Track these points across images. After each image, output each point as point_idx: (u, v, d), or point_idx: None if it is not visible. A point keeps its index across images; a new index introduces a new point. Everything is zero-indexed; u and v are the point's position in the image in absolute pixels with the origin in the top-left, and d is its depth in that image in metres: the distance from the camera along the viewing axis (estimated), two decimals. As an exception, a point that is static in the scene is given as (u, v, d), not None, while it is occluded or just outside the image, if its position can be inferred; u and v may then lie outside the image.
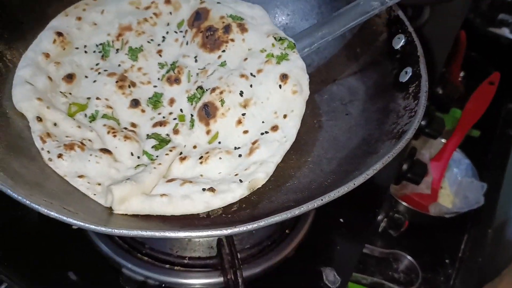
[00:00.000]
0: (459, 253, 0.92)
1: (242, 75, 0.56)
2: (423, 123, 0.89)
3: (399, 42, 0.59)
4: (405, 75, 0.56)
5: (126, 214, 0.46)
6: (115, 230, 0.37)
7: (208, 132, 0.54)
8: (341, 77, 0.65)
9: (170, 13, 0.63)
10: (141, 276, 0.57)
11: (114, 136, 0.51)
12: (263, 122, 0.55)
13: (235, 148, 0.53)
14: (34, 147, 0.50)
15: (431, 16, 1.05)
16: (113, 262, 0.58)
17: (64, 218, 0.37)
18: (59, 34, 0.57)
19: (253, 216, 0.48)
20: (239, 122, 0.55)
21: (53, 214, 0.37)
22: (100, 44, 0.59)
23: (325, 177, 0.52)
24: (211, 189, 0.48)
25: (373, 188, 0.73)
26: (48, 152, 0.48)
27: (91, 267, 0.58)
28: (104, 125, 0.52)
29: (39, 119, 0.50)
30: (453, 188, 0.98)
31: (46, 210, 0.37)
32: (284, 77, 0.56)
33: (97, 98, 0.54)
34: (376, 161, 0.45)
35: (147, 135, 0.54)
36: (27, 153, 0.48)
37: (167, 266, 0.59)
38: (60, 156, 0.47)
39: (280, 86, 0.56)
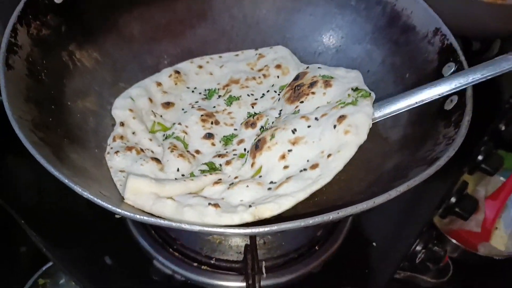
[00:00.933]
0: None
1: (303, 117, 0.57)
2: (480, 158, 0.86)
3: (448, 70, 0.58)
4: (450, 103, 0.55)
5: (133, 207, 0.48)
6: (137, 216, 0.40)
7: (252, 165, 0.55)
8: (388, 101, 0.65)
9: (278, 76, 0.68)
10: (170, 270, 0.60)
11: (172, 151, 0.56)
12: (308, 161, 0.54)
13: (270, 182, 0.53)
14: (91, 138, 0.56)
15: (501, 50, 1.01)
16: (146, 253, 0.62)
17: (95, 199, 0.41)
18: (177, 72, 0.66)
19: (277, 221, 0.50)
20: (283, 157, 0.54)
21: (86, 194, 0.41)
22: (208, 89, 0.66)
23: (352, 197, 0.53)
24: (216, 205, 0.47)
25: (414, 218, 0.71)
26: (111, 148, 0.55)
27: (125, 255, 0.63)
28: (171, 142, 0.58)
29: (122, 124, 0.58)
30: (509, 230, 0.93)
31: (80, 190, 0.41)
32: (341, 117, 0.54)
33: (179, 124, 0.60)
34: (401, 184, 0.45)
35: (203, 162, 0.57)
36: (82, 143, 0.54)
37: (195, 264, 0.61)
38: (116, 152, 0.54)
39: (334, 126, 0.54)
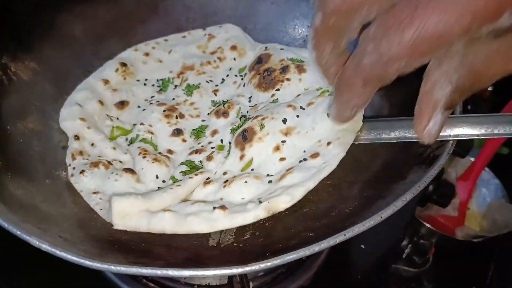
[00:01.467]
0: (487, 280, 0.86)
1: (290, 105, 0.53)
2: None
3: (428, 57, 0.55)
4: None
5: (126, 232, 0.43)
6: (112, 267, 0.33)
7: (242, 157, 0.50)
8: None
9: (234, 59, 0.63)
10: (145, 304, 0.54)
11: (144, 157, 0.50)
12: (304, 151, 0.51)
13: (267, 175, 0.49)
14: (39, 167, 0.48)
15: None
16: (114, 286, 0.55)
17: (57, 252, 0.33)
18: (123, 64, 0.59)
19: (267, 246, 0.44)
20: (277, 148, 0.50)
21: (45, 247, 0.33)
22: (161, 79, 0.60)
23: (345, 204, 0.48)
24: (222, 207, 0.44)
25: (397, 212, 0.68)
26: (74, 168, 0.49)
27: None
28: (139, 147, 0.51)
29: (77, 137, 0.51)
30: (481, 210, 0.92)
31: (37, 242, 0.33)
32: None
33: (141, 124, 0.54)
34: (405, 190, 0.40)
35: (181, 162, 0.52)
36: (27, 174, 0.45)
37: (174, 293, 0.55)
38: (82, 172, 0.48)
39: (328, 115, 0.50)
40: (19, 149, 0.48)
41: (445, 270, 0.85)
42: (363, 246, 0.63)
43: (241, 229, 0.47)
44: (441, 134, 0.43)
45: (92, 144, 0.51)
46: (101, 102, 0.55)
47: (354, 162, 0.53)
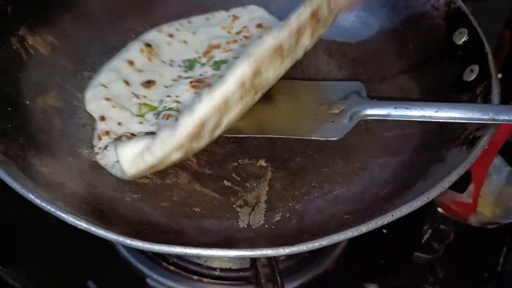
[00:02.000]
0: (499, 267, 0.86)
1: None
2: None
3: (461, 37, 0.53)
4: (471, 74, 0.50)
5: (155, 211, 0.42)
6: (155, 247, 0.32)
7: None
8: (391, 76, 0.59)
9: (261, 36, 0.60)
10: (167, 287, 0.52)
11: (167, 119, 0.48)
12: None
13: None
14: (61, 144, 0.46)
15: (473, 15, 0.99)
16: (137, 271, 0.53)
17: (97, 231, 0.32)
18: (148, 45, 0.57)
19: (302, 228, 0.43)
20: None
21: (83, 225, 0.32)
22: (187, 59, 0.58)
23: (379, 187, 0.47)
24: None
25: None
26: (99, 148, 0.47)
27: (112, 276, 0.54)
28: (165, 114, 0.49)
29: (102, 118, 0.49)
30: (493, 197, 0.92)
31: (75, 221, 0.32)
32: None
33: (168, 96, 0.52)
34: (448, 173, 0.39)
35: None
36: (51, 151, 0.44)
37: (195, 277, 0.53)
38: (106, 147, 0.47)
39: None
40: (40, 126, 0.46)
41: (457, 257, 0.85)
42: (384, 231, 0.62)
43: (271, 211, 0.46)
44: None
45: (119, 123, 0.49)
46: (126, 82, 0.53)
47: (385, 146, 0.52)
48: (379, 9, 0.62)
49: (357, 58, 0.62)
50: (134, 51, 0.56)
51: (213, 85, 0.37)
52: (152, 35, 0.60)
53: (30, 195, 0.33)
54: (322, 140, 0.53)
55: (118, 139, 0.47)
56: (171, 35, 0.60)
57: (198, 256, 0.49)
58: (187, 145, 0.39)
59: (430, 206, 0.72)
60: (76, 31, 0.55)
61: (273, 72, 0.41)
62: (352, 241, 0.60)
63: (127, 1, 0.60)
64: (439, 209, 0.83)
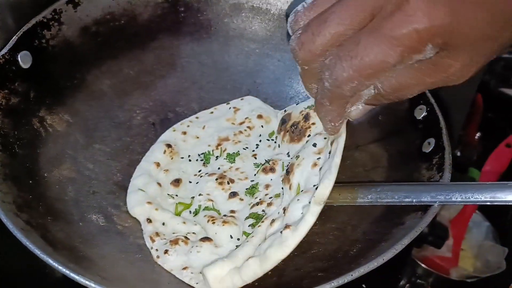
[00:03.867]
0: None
1: (317, 133, 0.58)
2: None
3: (421, 113, 0.61)
4: (428, 146, 0.57)
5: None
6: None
7: (290, 188, 0.55)
8: (364, 144, 0.66)
9: (262, 126, 0.68)
10: None
11: (213, 223, 0.55)
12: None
13: (314, 185, 0.52)
14: (73, 211, 0.53)
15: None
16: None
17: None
18: (169, 145, 0.64)
19: (281, 284, 0.49)
20: (315, 164, 0.54)
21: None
22: (202, 153, 0.65)
23: (350, 246, 0.53)
24: (287, 226, 0.48)
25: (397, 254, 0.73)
26: (157, 250, 0.53)
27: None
28: (205, 215, 0.56)
29: (149, 220, 0.55)
30: (474, 250, 0.97)
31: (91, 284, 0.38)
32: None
33: (200, 195, 0.59)
34: (404, 235, 0.46)
35: (246, 217, 0.56)
36: (64, 217, 0.50)
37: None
38: (166, 252, 0.52)
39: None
40: (56, 195, 0.52)
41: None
42: (364, 286, 0.67)
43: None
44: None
45: (163, 224, 0.55)
46: (159, 184, 0.59)
47: (358, 207, 0.59)
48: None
49: (334, 128, 0.70)
50: (158, 152, 0.63)
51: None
52: (168, 135, 0.66)
53: (50, 260, 0.39)
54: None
55: (175, 242, 0.52)
56: (184, 133, 0.67)
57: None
58: None
59: (408, 261, 0.78)
60: (87, 108, 0.63)
61: None
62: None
63: (131, 81, 0.68)
64: (423, 265, 0.88)
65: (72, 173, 0.56)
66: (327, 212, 0.59)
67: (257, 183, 0.60)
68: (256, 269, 0.47)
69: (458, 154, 1.01)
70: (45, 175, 0.53)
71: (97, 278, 0.41)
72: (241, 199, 0.59)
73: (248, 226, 0.55)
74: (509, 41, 0.38)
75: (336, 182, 0.52)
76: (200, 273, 0.49)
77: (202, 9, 0.73)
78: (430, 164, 0.56)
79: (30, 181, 0.50)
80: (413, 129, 0.61)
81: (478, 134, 1.21)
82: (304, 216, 0.47)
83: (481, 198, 0.46)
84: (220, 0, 0.73)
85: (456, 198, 0.47)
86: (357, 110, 0.44)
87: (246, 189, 0.60)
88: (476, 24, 0.35)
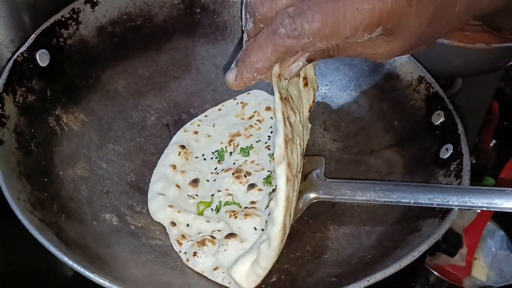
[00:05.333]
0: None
1: None
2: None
3: (438, 119, 0.60)
4: (446, 152, 0.57)
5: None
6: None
7: None
8: (379, 149, 0.66)
9: (271, 117, 0.68)
10: None
11: (236, 217, 0.55)
12: None
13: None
14: (86, 210, 0.53)
15: (463, 86, 1.07)
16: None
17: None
18: (182, 147, 0.64)
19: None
20: None
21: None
22: (216, 151, 0.65)
23: (365, 252, 0.52)
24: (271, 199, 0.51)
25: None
26: (185, 253, 0.53)
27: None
28: (227, 211, 0.56)
29: (173, 224, 0.55)
30: (488, 260, 0.96)
31: (102, 281, 0.38)
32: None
33: (219, 191, 0.59)
34: (421, 242, 0.45)
35: (266, 206, 0.56)
36: (77, 217, 0.50)
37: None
38: (195, 254, 0.52)
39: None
40: (70, 194, 0.52)
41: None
42: (377, 293, 0.66)
43: (268, 273, 0.51)
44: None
45: (188, 225, 0.55)
46: (178, 186, 0.59)
47: (372, 213, 0.58)
48: (370, 90, 0.70)
49: (349, 132, 0.69)
50: (173, 155, 0.63)
51: (273, 196, 0.49)
52: (180, 136, 0.66)
53: (64, 258, 0.39)
54: (318, 207, 0.60)
55: (202, 244, 0.52)
56: (195, 132, 0.66)
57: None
58: (281, 247, 0.47)
59: (422, 269, 0.77)
60: (102, 108, 0.63)
61: (296, 154, 0.48)
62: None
63: (146, 81, 0.68)
64: (436, 273, 0.87)
65: (86, 172, 0.56)
66: (340, 218, 0.59)
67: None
68: (267, 252, 0.46)
69: (474, 161, 0.99)
70: (60, 173, 0.53)
71: (110, 277, 0.41)
72: (260, 190, 0.58)
73: (269, 214, 0.54)
74: (435, 41, 0.44)
75: (336, 178, 0.57)
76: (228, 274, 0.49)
77: (218, 11, 0.73)
78: (448, 171, 0.55)
79: (45, 179, 0.50)
80: (430, 135, 0.61)
81: (493, 142, 1.20)
82: (277, 184, 0.44)
83: (477, 204, 0.47)
84: (236, 2, 0.73)
85: (453, 201, 0.48)
86: (298, 66, 0.44)
87: (263, 179, 0.59)
88: (420, 22, 0.39)
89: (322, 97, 0.73)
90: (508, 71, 1.33)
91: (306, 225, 0.59)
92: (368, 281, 0.41)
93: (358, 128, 0.69)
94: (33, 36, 0.55)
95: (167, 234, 0.55)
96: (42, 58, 0.55)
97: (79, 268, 0.39)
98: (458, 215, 0.97)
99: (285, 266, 0.52)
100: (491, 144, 1.19)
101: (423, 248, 0.44)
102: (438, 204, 0.48)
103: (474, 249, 0.95)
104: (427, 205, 0.49)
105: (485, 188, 0.48)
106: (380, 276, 0.41)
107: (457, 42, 0.78)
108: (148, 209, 0.57)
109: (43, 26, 0.56)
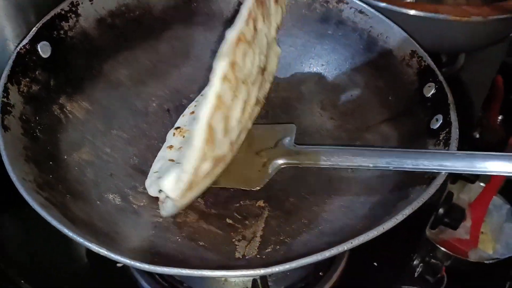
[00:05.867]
0: (504, 303, 0.89)
1: None
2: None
3: (430, 91, 0.62)
4: (436, 123, 0.58)
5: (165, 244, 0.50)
6: (157, 268, 0.41)
7: None
8: (374, 124, 0.67)
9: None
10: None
11: None
12: None
13: None
14: (92, 191, 0.56)
15: (467, 62, 1.07)
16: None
17: (113, 256, 0.41)
18: (177, 128, 0.65)
19: (287, 258, 0.51)
20: None
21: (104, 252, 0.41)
22: None
23: (357, 221, 0.54)
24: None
25: (408, 232, 0.73)
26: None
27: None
28: None
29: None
30: (495, 233, 0.96)
31: (102, 251, 0.41)
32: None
33: None
34: (405, 206, 0.46)
35: None
36: (83, 197, 0.53)
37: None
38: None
39: None
40: (75, 176, 0.55)
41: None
42: (375, 264, 0.68)
43: (264, 244, 0.54)
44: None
45: None
46: (171, 160, 0.60)
47: (367, 186, 0.60)
48: (365, 68, 0.72)
49: (346, 110, 0.71)
50: (169, 138, 0.64)
51: None
52: (179, 122, 0.67)
53: (70, 233, 0.42)
54: (315, 182, 0.62)
55: None
56: (192, 112, 0.67)
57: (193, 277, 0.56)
58: (210, 153, 0.41)
59: (422, 241, 0.78)
60: (106, 97, 0.66)
61: (250, 61, 0.44)
62: (345, 272, 0.67)
63: (147, 70, 0.71)
64: (441, 248, 0.88)
65: (91, 157, 0.59)
66: (337, 191, 0.61)
67: None
68: (187, 152, 0.41)
69: (477, 136, 1.00)
70: (65, 158, 0.56)
71: (115, 251, 0.43)
72: None
73: None
74: None
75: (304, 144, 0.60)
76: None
77: (214, -1, 0.75)
78: (438, 140, 0.56)
79: (51, 163, 0.53)
80: (423, 107, 0.62)
81: (500, 117, 1.19)
82: (210, 81, 0.40)
83: (429, 166, 0.50)
84: (231, -11, 0.75)
85: (408, 164, 0.51)
86: None
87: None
88: None
89: (319, 77, 0.75)
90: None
91: (304, 201, 0.61)
92: (351, 243, 0.42)
93: (354, 105, 0.71)
94: (34, 29, 0.57)
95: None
96: (44, 49, 0.58)
97: (84, 241, 0.42)
98: (463, 191, 0.98)
99: (281, 238, 0.55)
100: (498, 120, 1.18)
101: (407, 211, 0.45)
102: (394, 167, 0.52)
103: (480, 223, 0.95)
104: (384, 168, 0.53)
105: (439, 151, 0.52)
106: (363, 238, 0.43)
107: (453, 16, 0.78)
108: (150, 190, 0.60)
109: (44, 20, 0.59)
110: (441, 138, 0.56)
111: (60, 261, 0.68)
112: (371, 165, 0.53)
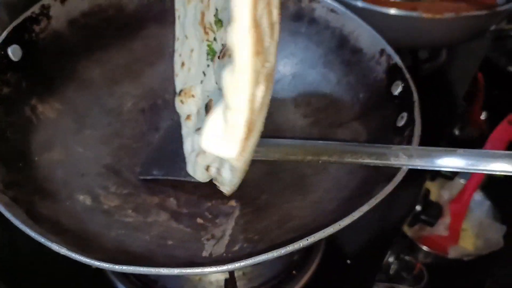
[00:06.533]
0: (484, 297, 0.90)
1: None
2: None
3: (397, 89, 0.62)
4: (401, 120, 0.59)
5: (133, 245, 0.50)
6: (124, 267, 0.41)
7: None
8: (347, 121, 0.68)
9: None
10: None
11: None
12: None
13: None
14: (61, 190, 0.56)
15: (449, 57, 1.07)
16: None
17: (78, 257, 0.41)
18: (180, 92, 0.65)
19: (254, 253, 0.52)
20: None
21: (64, 251, 0.42)
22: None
23: (325, 217, 0.55)
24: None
25: (384, 230, 0.74)
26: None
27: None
28: None
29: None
30: (475, 230, 0.97)
31: (57, 247, 0.42)
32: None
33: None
34: (364, 203, 0.47)
35: None
36: (52, 196, 0.54)
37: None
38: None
39: None
40: (45, 176, 0.56)
41: None
42: (349, 262, 0.68)
43: (231, 243, 0.54)
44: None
45: None
46: None
47: (337, 182, 0.61)
48: (337, 66, 0.72)
49: (319, 107, 0.72)
50: (180, 109, 0.65)
51: None
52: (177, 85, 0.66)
53: (32, 233, 0.43)
54: (288, 179, 0.63)
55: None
56: (183, 64, 0.66)
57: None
58: (262, 69, 0.30)
59: (396, 237, 0.78)
60: (78, 96, 0.66)
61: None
62: (318, 270, 0.67)
63: (121, 69, 0.71)
64: (420, 245, 0.89)
65: (62, 156, 0.60)
66: (308, 188, 0.62)
67: None
68: (233, 80, 0.30)
69: (457, 133, 1.00)
70: (36, 158, 0.57)
71: (75, 249, 0.44)
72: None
73: None
74: None
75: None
76: None
77: (187, -2, 0.75)
78: (402, 137, 0.57)
79: (20, 164, 0.54)
80: (390, 105, 0.62)
81: (484, 114, 1.20)
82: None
83: (388, 162, 0.51)
84: (204, -13, 0.75)
85: (364, 159, 0.53)
86: None
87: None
88: None
89: (293, 76, 0.76)
90: (502, 42, 1.33)
91: (276, 198, 0.61)
92: (307, 240, 0.43)
93: (327, 102, 0.71)
94: (4, 33, 0.58)
95: (141, 213, 0.58)
96: (15, 53, 0.58)
97: (40, 238, 0.42)
98: (443, 187, 0.99)
99: (249, 236, 0.55)
100: (482, 116, 1.19)
101: (364, 208, 0.46)
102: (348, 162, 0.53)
103: (461, 220, 0.96)
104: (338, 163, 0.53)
105: (380, 145, 0.53)
106: (319, 235, 0.43)
107: (425, 13, 0.79)
108: (122, 190, 0.60)
109: (14, 23, 0.59)
110: (405, 135, 0.57)
111: (37, 262, 0.68)
112: (320, 160, 0.54)
